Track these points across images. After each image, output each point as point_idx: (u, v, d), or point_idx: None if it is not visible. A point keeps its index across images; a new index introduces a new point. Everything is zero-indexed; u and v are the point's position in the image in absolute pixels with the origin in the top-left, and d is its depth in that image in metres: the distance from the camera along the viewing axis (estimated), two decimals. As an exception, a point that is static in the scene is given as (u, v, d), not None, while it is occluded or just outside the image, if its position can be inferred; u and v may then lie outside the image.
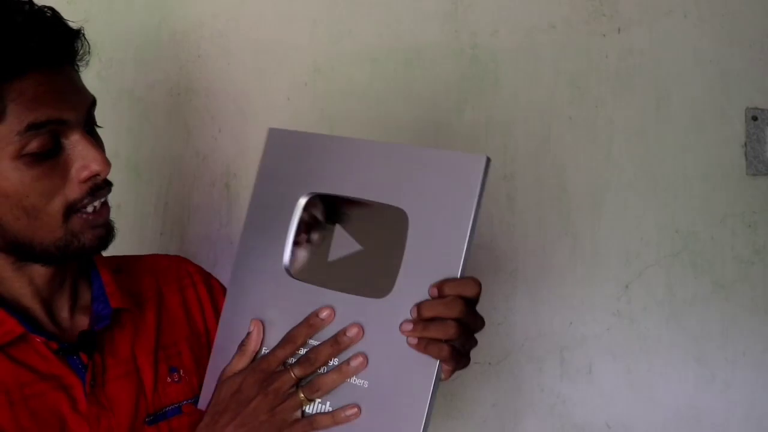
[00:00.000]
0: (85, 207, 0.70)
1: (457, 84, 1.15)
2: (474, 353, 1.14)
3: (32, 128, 0.66)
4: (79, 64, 0.72)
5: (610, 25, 1.17)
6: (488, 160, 0.66)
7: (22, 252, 0.71)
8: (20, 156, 0.66)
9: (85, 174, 0.69)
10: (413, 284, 0.67)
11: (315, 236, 0.76)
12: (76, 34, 0.71)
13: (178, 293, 0.86)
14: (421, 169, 0.69)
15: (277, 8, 1.13)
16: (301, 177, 0.75)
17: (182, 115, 1.12)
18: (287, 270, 0.75)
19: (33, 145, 0.66)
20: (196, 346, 0.84)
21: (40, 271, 0.74)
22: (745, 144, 1.19)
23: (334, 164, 0.73)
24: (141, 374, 0.78)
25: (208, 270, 1.13)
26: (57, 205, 0.69)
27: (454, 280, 0.66)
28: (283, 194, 0.75)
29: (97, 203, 0.71)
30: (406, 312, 0.67)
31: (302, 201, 0.74)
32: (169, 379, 0.80)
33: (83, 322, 0.77)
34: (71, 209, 0.70)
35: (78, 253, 0.72)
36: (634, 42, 1.18)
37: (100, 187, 0.71)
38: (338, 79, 1.13)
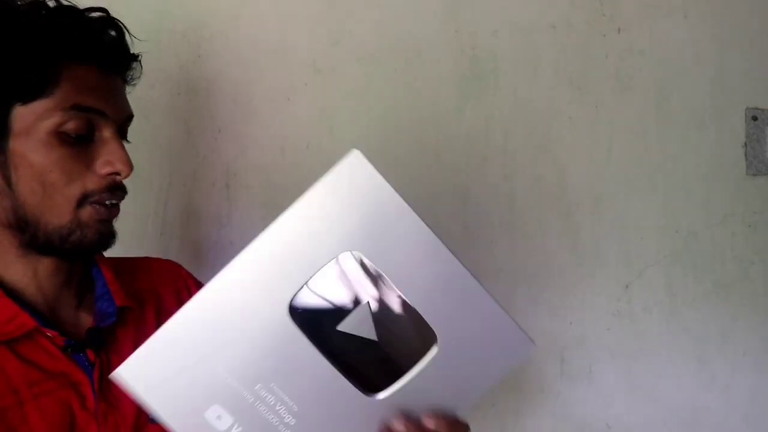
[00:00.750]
0: (99, 201, 0.73)
1: (457, 84, 1.15)
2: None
3: (75, 109, 0.71)
4: (129, 83, 0.79)
5: (610, 25, 1.17)
6: (532, 346, 0.64)
7: (28, 233, 0.72)
8: (56, 132, 0.70)
9: (107, 169, 0.73)
10: (410, 400, 0.66)
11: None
12: (135, 57, 0.78)
13: (174, 295, 0.88)
14: (476, 313, 0.65)
15: (277, 8, 1.13)
16: (358, 228, 0.64)
17: (182, 115, 1.12)
18: (291, 308, 0.64)
19: (70, 125, 0.71)
20: None
21: (44, 263, 0.74)
22: (745, 144, 1.19)
23: (397, 240, 0.64)
24: None
25: (209, 271, 1.12)
26: (75, 190, 0.72)
27: (451, 419, 0.66)
28: (330, 229, 0.64)
29: (111, 201, 0.74)
30: (385, 418, 0.65)
31: (345, 255, 0.64)
32: None
33: (87, 320, 0.77)
34: (85, 198, 0.72)
35: (77, 245, 0.73)
36: (634, 42, 1.18)
37: (118, 186, 0.75)
38: (338, 79, 1.13)
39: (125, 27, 0.77)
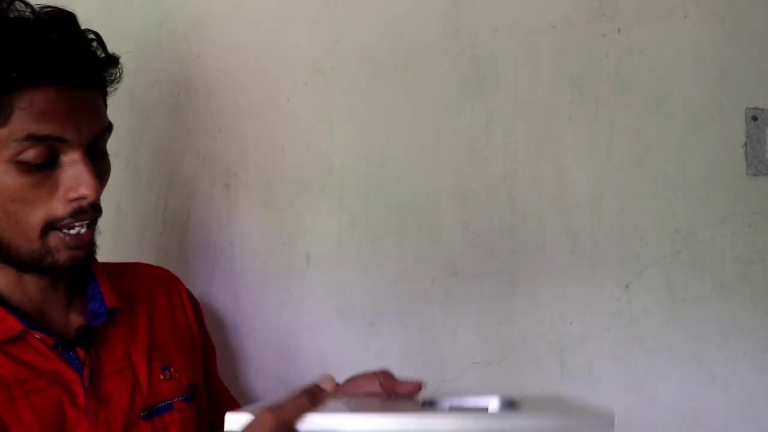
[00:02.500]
0: (67, 227, 0.70)
1: (457, 84, 1.15)
2: (474, 353, 1.14)
3: (30, 139, 0.67)
4: (107, 89, 0.74)
5: (610, 25, 1.17)
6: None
7: (2, 252, 0.72)
8: (14, 161, 0.68)
9: (72, 195, 0.70)
10: None
11: None
12: (111, 62, 0.73)
13: (166, 297, 0.89)
14: None
15: (277, 8, 1.13)
16: None
17: (182, 115, 1.12)
18: None
19: (29, 155, 0.68)
20: (184, 347, 0.87)
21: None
22: (745, 144, 1.19)
23: None
24: (136, 371, 0.79)
25: (208, 271, 1.13)
26: (38, 217, 0.69)
27: None
28: None
29: (79, 226, 0.71)
30: None
31: None
32: (161, 377, 0.82)
33: (77, 320, 0.78)
34: (51, 225, 0.70)
35: (51, 268, 0.72)
36: (634, 42, 1.17)
37: (84, 210, 0.71)
38: (338, 79, 1.13)
39: (99, 35, 0.72)
